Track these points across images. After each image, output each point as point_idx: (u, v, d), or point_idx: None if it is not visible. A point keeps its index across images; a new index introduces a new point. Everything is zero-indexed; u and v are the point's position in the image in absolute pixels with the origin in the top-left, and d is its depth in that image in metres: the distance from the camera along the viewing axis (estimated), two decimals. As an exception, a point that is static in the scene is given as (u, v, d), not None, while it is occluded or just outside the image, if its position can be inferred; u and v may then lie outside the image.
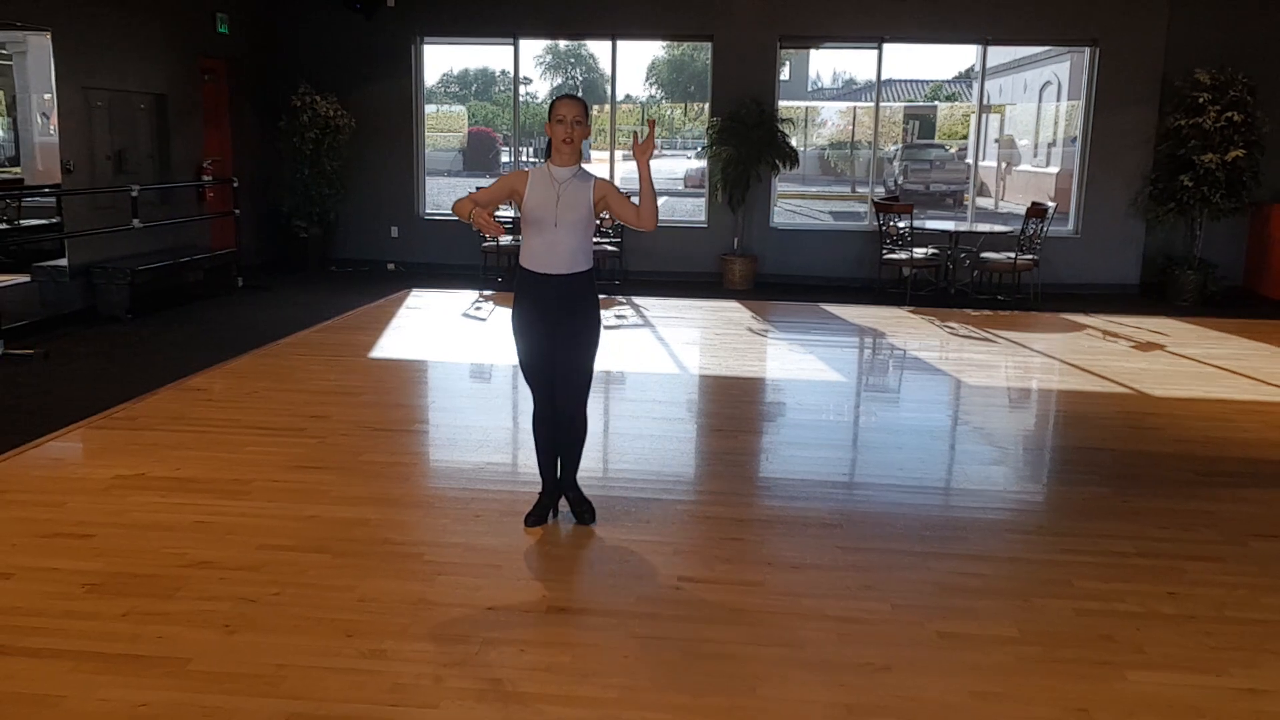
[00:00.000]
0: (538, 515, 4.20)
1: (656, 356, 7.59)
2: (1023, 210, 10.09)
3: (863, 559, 3.94)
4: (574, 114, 3.83)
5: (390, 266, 11.33)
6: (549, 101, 4.08)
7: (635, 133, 3.82)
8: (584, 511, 4.22)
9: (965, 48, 15.12)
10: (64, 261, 8.19)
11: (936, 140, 24.21)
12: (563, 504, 4.30)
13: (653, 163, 3.82)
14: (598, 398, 6.57)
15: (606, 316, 8.83)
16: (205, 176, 10.11)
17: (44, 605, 3.41)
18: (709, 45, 10.98)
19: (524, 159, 12.26)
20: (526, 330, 4.00)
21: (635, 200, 3.91)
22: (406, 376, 7.01)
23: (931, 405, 6.56)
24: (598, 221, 4.34)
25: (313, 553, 3.87)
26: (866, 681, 3.04)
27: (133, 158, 9.07)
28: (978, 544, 4.13)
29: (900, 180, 20.74)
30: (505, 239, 8.89)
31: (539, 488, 4.26)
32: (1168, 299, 10.20)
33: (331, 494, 4.49)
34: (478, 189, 4.16)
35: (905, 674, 3.09)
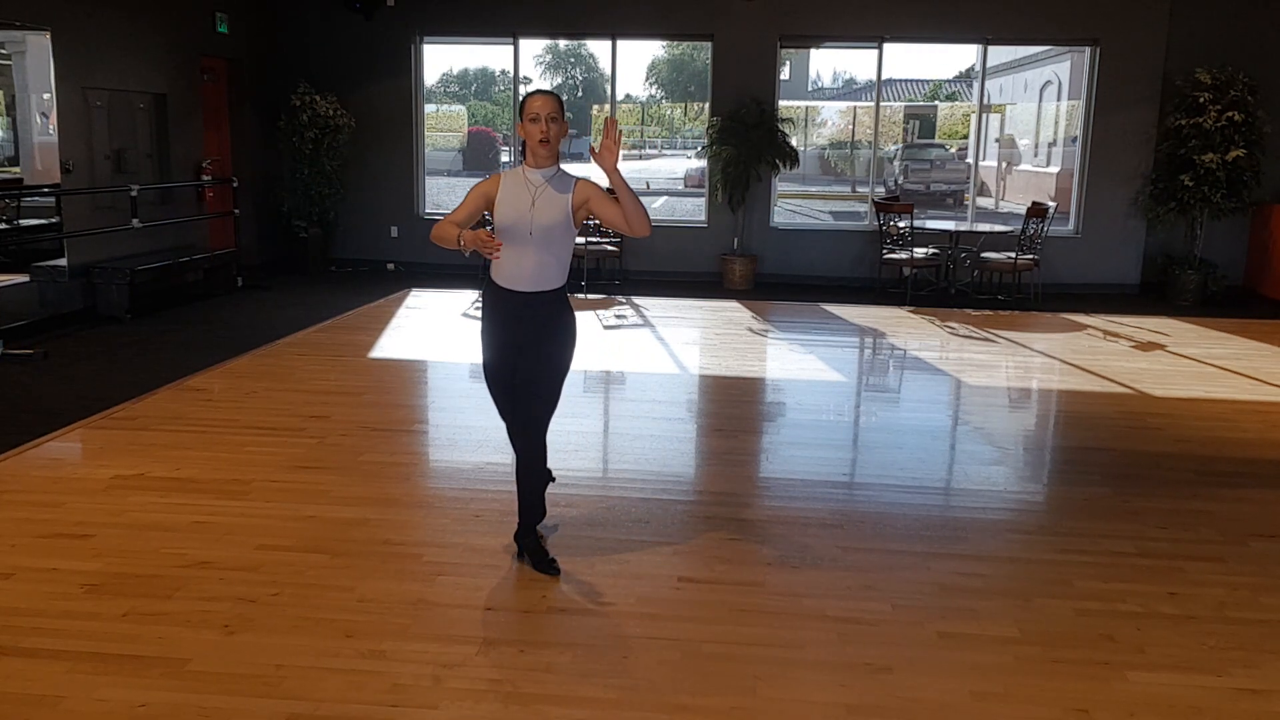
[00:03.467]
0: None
1: (656, 356, 7.58)
2: (1023, 210, 10.08)
3: (863, 559, 3.93)
4: (549, 110, 3.46)
5: (390, 266, 11.33)
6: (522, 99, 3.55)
7: (591, 146, 3.44)
8: (545, 563, 3.73)
9: (965, 47, 15.12)
10: (63, 261, 8.18)
11: (937, 140, 24.21)
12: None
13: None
14: (598, 398, 6.57)
15: (606, 316, 8.86)
16: (205, 176, 10.11)
17: (43, 605, 3.40)
18: (709, 45, 10.98)
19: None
20: (494, 352, 3.72)
21: None
22: (406, 376, 7.01)
23: (932, 405, 6.56)
24: (580, 239, 4.00)
25: (312, 553, 3.86)
26: (866, 681, 3.04)
27: (132, 157, 9.06)
28: (978, 544, 4.13)
29: (900, 180, 20.74)
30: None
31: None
32: (1168, 299, 10.20)
33: (331, 494, 4.49)
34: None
35: (905, 674, 3.08)
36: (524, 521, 3.82)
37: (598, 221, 10.17)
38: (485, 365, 3.78)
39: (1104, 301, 10.11)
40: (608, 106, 12.25)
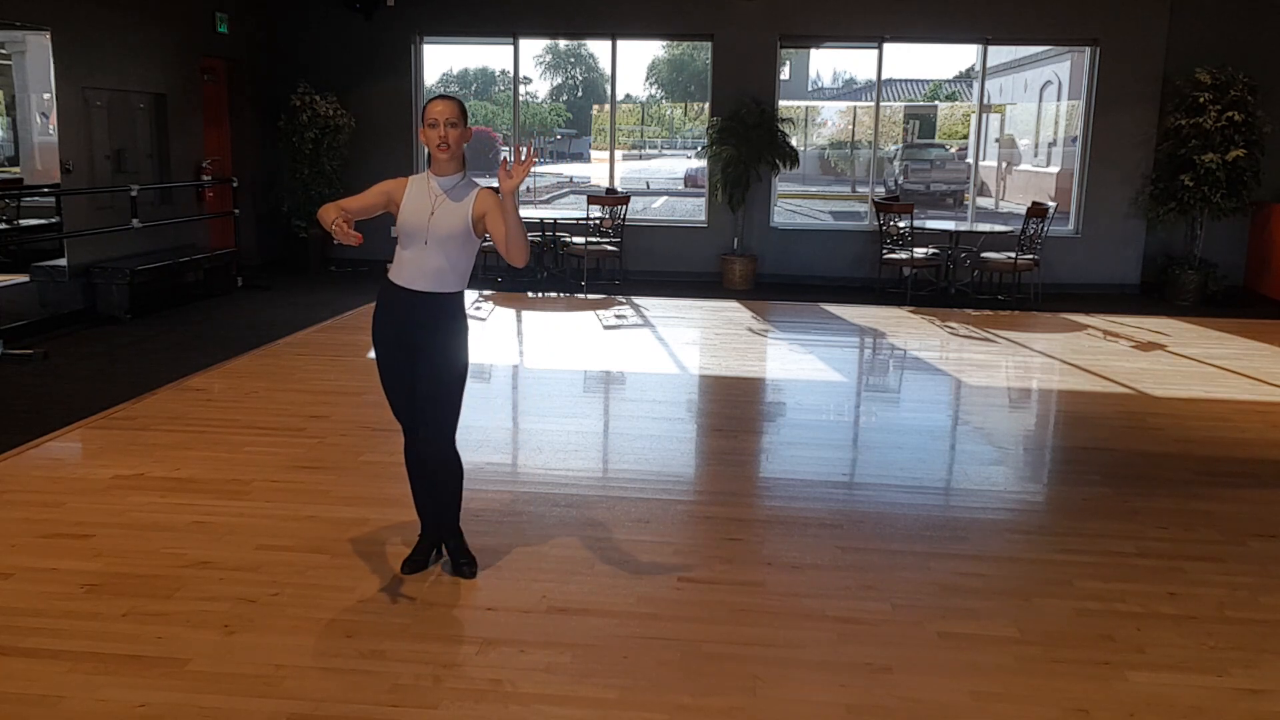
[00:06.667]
0: (416, 560, 3.72)
1: (656, 356, 7.58)
2: (1023, 210, 10.08)
3: (863, 559, 3.93)
4: (448, 115, 3.36)
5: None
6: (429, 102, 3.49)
7: (505, 159, 3.31)
8: (464, 564, 3.68)
9: (965, 47, 15.11)
10: (63, 261, 8.18)
11: (937, 140, 24.20)
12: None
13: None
14: (598, 398, 6.57)
15: (606, 316, 8.86)
16: (205, 176, 10.11)
17: (43, 605, 3.40)
18: (709, 45, 10.98)
19: (523, 159, 12.21)
20: (385, 350, 3.56)
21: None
22: (406, 376, 7.00)
23: (931, 405, 6.56)
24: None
25: (312, 553, 3.86)
26: (866, 681, 3.04)
27: (132, 157, 9.06)
28: (978, 544, 4.13)
29: (900, 180, 20.73)
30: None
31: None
32: (1168, 299, 10.20)
33: (331, 494, 4.49)
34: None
35: (905, 674, 3.08)
36: (425, 535, 3.73)
37: (597, 222, 10.26)
38: (383, 381, 3.61)
39: (1104, 301, 10.11)
40: (608, 107, 12.24)
